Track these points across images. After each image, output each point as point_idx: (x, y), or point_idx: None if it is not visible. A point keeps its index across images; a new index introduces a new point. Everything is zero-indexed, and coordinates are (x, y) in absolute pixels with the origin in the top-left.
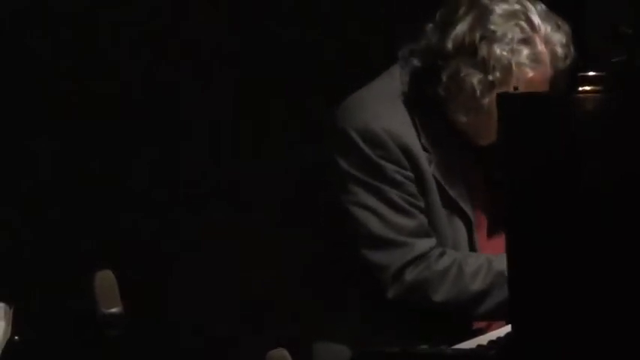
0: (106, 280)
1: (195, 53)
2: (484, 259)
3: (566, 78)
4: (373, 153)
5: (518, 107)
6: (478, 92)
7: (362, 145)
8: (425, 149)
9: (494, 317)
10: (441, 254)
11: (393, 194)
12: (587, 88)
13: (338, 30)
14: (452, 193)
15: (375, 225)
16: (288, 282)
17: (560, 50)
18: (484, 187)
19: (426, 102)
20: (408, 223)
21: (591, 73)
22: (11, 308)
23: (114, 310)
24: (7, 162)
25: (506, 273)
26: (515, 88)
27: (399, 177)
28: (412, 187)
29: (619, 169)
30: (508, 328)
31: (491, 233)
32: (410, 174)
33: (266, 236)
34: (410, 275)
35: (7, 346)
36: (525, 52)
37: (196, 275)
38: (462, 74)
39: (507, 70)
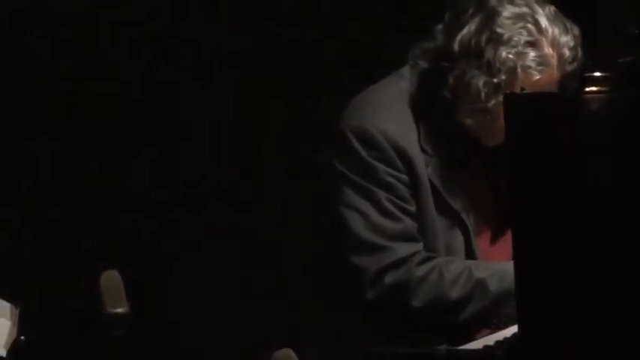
0: (112, 279)
1: (195, 53)
2: (465, 267)
3: (574, 80)
4: (367, 153)
5: (523, 107)
6: (483, 95)
7: (356, 144)
8: (425, 152)
9: (473, 325)
10: (423, 260)
11: (383, 197)
12: (594, 88)
13: (338, 30)
14: (449, 198)
15: (359, 227)
16: (288, 282)
17: (567, 53)
18: (489, 193)
19: (432, 104)
20: (393, 226)
21: (597, 74)
22: (17, 308)
23: (120, 309)
24: (7, 162)
25: (487, 281)
26: (522, 89)
27: (390, 179)
28: (404, 191)
29: (625, 170)
30: (515, 329)
31: (495, 241)
32: (404, 177)
33: (266, 236)
34: (389, 278)
35: (12, 345)
36: (532, 54)
37: (196, 275)
38: (467, 76)
39: (513, 72)
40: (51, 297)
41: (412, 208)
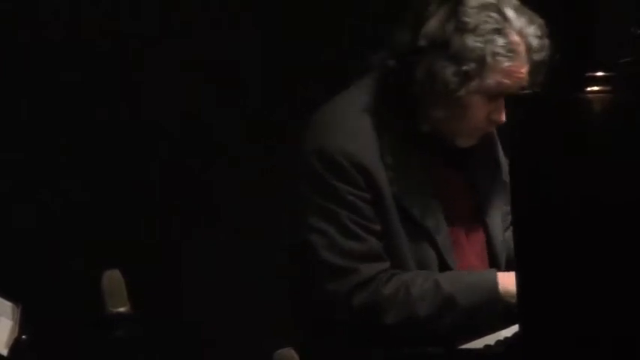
0: (114, 279)
1: (196, 54)
2: (432, 282)
3: (543, 71)
4: (328, 175)
5: (525, 108)
6: (453, 84)
7: (317, 166)
8: (388, 167)
9: (449, 339)
10: (389, 278)
11: (346, 217)
12: (595, 88)
13: (339, 30)
14: (415, 213)
15: (323, 250)
16: (288, 282)
17: (535, 42)
18: (461, 201)
19: (397, 110)
20: (358, 247)
21: (599, 74)
22: (19, 307)
23: (121, 309)
24: (7, 160)
25: (455, 296)
26: (523, 89)
27: (353, 199)
28: (367, 210)
29: (625, 170)
30: (516, 328)
31: (470, 250)
32: (366, 195)
33: (266, 236)
34: (357, 299)
35: (14, 345)
36: (500, 41)
37: (198, 275)
38: (435, 68)
39: (481, 60)
40: (53, 296)
41: (377, 227)
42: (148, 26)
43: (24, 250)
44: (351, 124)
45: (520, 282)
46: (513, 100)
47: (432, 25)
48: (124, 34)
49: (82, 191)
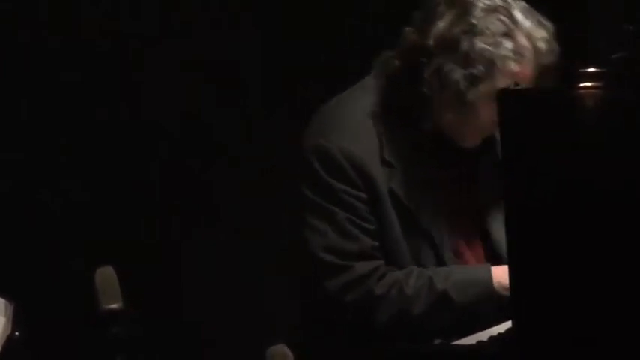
0: (106, 276)
1: (196, 54)
2: (425, 279)
3: (551, 75)
4: (325, 173)
5: (517, 103)
6: (462, 87)
7: (315, 164)
8: (388, 165)
9: (441, 337)
10: (382, 276)
11: (342, 217)
12: (588, 84)
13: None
14: (415, 212)
15: (318, 248)
16: (288, 281)
17: (543, 46)
18: (462, 202)
19: (402, 109)
20: (351, 246)
21: (591, 69)
22: (12, 304)
23: (114, 306)
24: (7, 160)
25: (449, 293)
26: (516, 84)
27: (350, 199)
28: (364, 210)
29: (619, 165)
30: (509, 324)
31: (470, 250)
32: (362, 195)
33: (266, 236)
34: (350, 297)
35: (7, 341)
36: (508, 45)
37: (198, 275)
38: (444, 70)
39: (490, 63)
40: (53, 296)
41: (372, 226)
42: (148, 26)
43: (24, 250)
44: (353, 124)
45: (513, 279)
46: (505, 95)
47: (441, 26)
48: (124, 34)
49: (82, 191)
